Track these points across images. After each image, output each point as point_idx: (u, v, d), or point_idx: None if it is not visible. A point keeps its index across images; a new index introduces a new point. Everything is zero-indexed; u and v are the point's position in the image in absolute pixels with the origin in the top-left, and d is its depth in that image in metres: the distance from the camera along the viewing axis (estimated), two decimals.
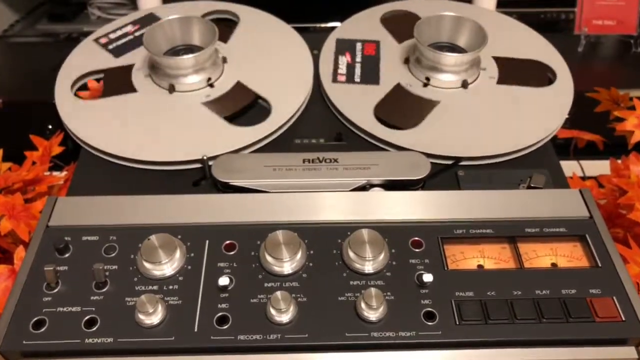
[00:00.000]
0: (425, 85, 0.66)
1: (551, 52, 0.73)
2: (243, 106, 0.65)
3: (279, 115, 0.63)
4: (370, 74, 0.68)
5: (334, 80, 0.68)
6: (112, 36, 0.74)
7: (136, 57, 0.69)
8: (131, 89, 0.66)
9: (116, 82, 0.67)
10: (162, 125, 0.62)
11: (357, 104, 0.64)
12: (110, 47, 0.73)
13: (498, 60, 0.70)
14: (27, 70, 1.06)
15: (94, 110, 0.64)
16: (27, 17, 1.27)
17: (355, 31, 0.74)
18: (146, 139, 0.60)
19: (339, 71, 0.69)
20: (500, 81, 0.67)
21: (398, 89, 0.66)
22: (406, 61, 0.69)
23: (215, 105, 0.64)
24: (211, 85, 0.65)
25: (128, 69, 0.68)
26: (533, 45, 0.74)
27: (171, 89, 0.64)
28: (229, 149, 0.59)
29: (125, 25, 0.76)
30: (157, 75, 0.66)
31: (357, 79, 0.68)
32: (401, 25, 0.74)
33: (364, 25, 0.76)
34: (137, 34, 0.74)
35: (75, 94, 0.68)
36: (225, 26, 0.74)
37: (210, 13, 0.76)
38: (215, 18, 0.76)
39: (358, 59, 0.70)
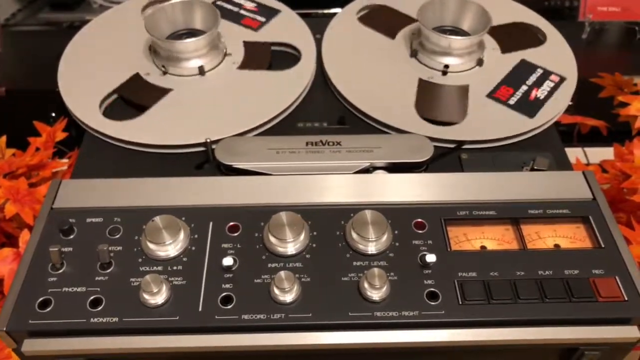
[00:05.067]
0: (445, 73, 0.66)
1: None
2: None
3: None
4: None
5: None
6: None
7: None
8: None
9: None
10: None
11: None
12: None
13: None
14: (30, 58, 1.06)
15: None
16: (29, 6, 1.26)
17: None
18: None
19: None
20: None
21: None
22: (414, 54, 0.69)
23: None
24: (202, 74, 0.65)
25: None
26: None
27: (164, 71, 0.65)
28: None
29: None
30: (156, 57, 0.66)
31: None
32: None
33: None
34: None
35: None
36: None
37: None
38: None
39: None
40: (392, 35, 0.72)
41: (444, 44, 0.65)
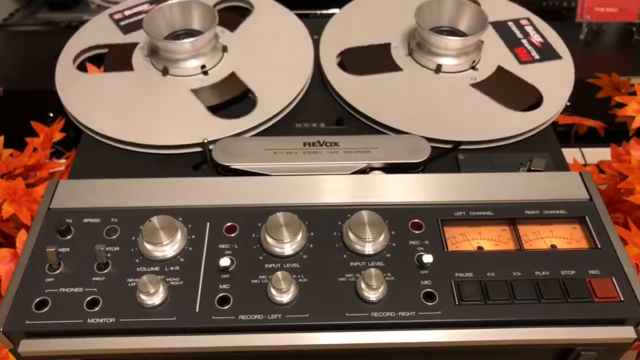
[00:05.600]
0: (437, 72, 0.66)
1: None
2: (235, 95, 0.64)
3: (279, 100, 0.63)
4: None
5: None
6: (127, 13, 0.74)
7: (142, 36, 0.70)
8: (129, 67, 0.66)
9: (117, 59, 0.67)
10: (161, 108, 0.62)
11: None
12: (122, 23, 0.73)
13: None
14: (28, 58, 1.06)
15: (94, 91, 0.64)
16: (27, 6, 1.26)
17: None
18: (146, 122, 0.60)
19: None
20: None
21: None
22: (410, 52, 0.69)
23: (207, 92, 0.64)
24: (205, 73, 0.65)
25: (131, 47, 0.69)
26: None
27: (165, 71, 0.65)
28: (229, 133, 0.59)
29: (143, 3, 0.76)
30: (155, 58, 0.66)
31: None
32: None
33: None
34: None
35: (77, 68, 0.68)
36: (238, 15, 0.74)
37: (223, 1, 0.77)
38: (229, 6, 0.77)
39: None
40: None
41: (438, 43, 0.65)
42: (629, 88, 0.86)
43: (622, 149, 0.71)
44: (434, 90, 0.65)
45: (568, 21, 1.13)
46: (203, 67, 0.65)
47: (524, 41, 0.70)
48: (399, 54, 0.69)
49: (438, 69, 0.66)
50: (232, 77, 0.65)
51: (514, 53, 0.69)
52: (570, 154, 0.82)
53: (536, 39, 0.69)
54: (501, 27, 0.72)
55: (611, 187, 0.69)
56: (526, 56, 0.68)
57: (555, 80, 0.66)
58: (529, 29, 0.72)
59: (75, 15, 1.22)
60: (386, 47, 0.70)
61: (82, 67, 0.69)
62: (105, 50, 0.70)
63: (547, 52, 0.69)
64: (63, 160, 0.76)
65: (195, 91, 0.63)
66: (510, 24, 0.73)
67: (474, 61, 0.66)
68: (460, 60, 0.66)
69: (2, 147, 0.72)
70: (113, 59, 0.68)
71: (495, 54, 0.68)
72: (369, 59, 0.68)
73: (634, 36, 1.08)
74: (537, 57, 0.68)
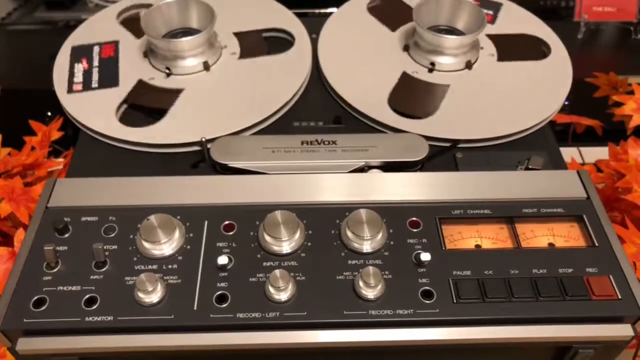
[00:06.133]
0: (431, 70, 0.66)
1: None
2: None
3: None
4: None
5: None
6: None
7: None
8: None
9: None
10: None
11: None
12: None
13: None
14: (25, 58, 1.06)
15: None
16: (25, 5, 1.26)
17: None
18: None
19: None
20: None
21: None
22: (406, 48, 0.69)
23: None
24: (207, 69, 0.65)
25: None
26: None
27: (168, 71, 0.64)
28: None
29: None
30: (154, 57, 0.66)
31: None
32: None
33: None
34: None
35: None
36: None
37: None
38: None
39: None
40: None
41: (431, 40, 0.65)
42: (626, 87, 0.86)
43: (619, 148, 0.71)
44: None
45: (566, 20, 1.13)
46: (205, 63, 0.65)
47: None
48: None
49: (432, 66, 0.66)
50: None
51: None
52: (568, 153, 0.82)
53: None
54: None
55: (609, 186, 0.69)
56: None
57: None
58: None
59: (73, 15, 1.22)
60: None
61: None
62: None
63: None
64: (61, 159, 0.75)
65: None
66: None
67: (469, 61, 0.66)
68: (456, 59, 0.66)
69: (0, 146, 0.72)
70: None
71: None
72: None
73: (631, 35, 1.08)
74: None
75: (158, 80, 0.65)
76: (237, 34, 0.70)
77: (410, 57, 0.68)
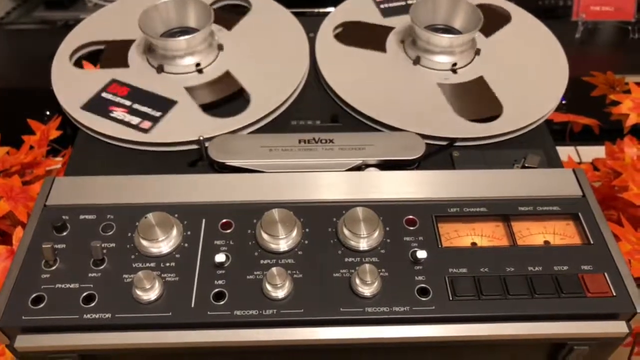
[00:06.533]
0: (455, 71, 0.66)
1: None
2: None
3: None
4: None
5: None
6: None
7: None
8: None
9: (114, 56, 0.68)
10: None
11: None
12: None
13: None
14: (24, 57, 1.06)
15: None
16: (24, 5, 1.26)
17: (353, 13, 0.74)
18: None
19: None
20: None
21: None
22: (401, 42, 0.70)
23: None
24: (200, 71, 0.65)
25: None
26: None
27: (160, 69, 0.65)
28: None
29: None
30: (150, 55, 0.66)
31: None
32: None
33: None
34: None
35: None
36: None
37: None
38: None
39: None
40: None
41: (422, 36, 0.65)
42: (623, 86, 0.86)
43: (616, 147, 0.71)
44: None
45: (564, 20, 1.13)
46: (198, 64, 0.65)
47: None
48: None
49: (417, 60, 0.66)
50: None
51: None
52: (565, 152, 0.82)
53: None
54: None
55: (605, 185, 0.70)
56: None
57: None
58: None
59: (72, 14, 1.22)
60: (387, 30, 0.71)
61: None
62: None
63: None
64: (59, 158, 0.76)
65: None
66: None
67: (454, 63, 0.66)
68: (442, 58, 0.66)
69: None
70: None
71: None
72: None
73: (629, 35, 1.09)
74: None
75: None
76: None
77: (402, 50, 0.69)
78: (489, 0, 0.76)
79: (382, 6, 0.76)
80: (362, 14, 0.74)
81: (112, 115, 0.61)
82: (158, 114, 0.61)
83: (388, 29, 0.72)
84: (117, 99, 0.62)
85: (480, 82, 0.66)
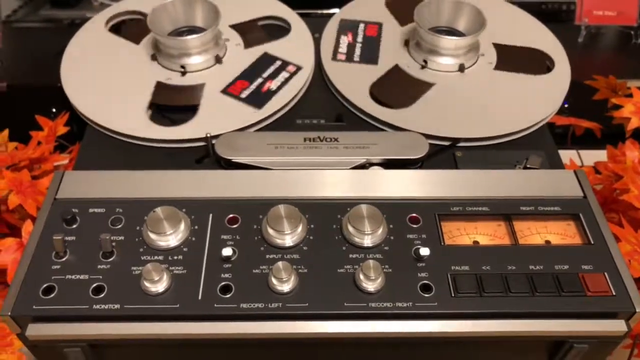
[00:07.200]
0: (423, 67, 0.67)
1: (551, 41, 0.74)
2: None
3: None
4: (370, 55, 0.70)
5: (334, 58, 0.69)
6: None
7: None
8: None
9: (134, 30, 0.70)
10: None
11: (355, 84, 0.66)
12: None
13: (498, 47, 0.71)
14: (31, 54, 1.06)
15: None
16: (30, 3, 1.27)
17: (360, 13, 0.75)
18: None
19: (340, 50, 0.70)
20: (498, 67, 0.69)
21: (396, 70, 0.67)
22: (406, 44, 0.71)
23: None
24: (219, 62, 0.66)
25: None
26: (534, 33, 0.75)
27: (183, 70, 0.66)
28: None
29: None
30: (162, 56, 0.67)
31: (356, 58, 0.69)
32: (405, 8, 0.75)
33: (368, 7, 0.77)
34: None
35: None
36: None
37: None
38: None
39: (359, 39, 0.72)
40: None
41: (427, 38, 0.66)
42: (625, 90, 0.87)
43: (617, 150, 0.72)
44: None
45: (567, 24, 1.14)
46: (217, 57, 0.66)
47: None
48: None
49: (424, 63, 0.67)
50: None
51: None
52: (567, 155, 0.83)
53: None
54: None
55: (607, 188, 0.70)
56: None
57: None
58: None
59: (78, 13, 1.23)
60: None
61: None
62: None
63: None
64: (67, 154, 0.76)
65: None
66: None
67: (462, 65, 0.67)
68: (449, 60, 0.67)
69: (7, 140, 0.73)
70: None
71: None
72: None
73: (631, 40, 1.09)
74: None
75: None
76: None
77: (407, 53, 0.70)
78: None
79: None
80: (366, 15, 0.75)
81: None
82: None
83: None
84: None
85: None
